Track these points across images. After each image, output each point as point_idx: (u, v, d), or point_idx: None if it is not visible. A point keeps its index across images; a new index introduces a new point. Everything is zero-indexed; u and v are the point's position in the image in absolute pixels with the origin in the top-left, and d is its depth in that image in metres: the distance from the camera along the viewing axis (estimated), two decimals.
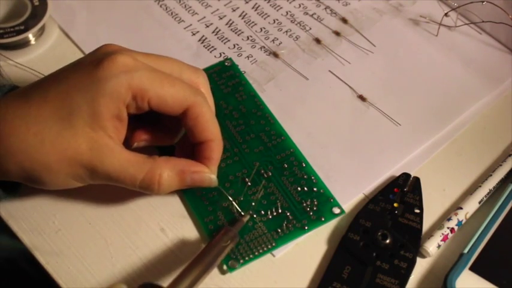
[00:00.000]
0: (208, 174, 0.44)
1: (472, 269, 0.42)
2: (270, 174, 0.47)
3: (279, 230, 0.45)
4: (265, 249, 0.44)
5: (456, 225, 0.45)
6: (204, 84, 0.46)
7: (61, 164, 0.42)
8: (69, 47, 0.55)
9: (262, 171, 0.47)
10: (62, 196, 0.47)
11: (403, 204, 0.45)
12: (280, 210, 0.45)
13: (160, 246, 0.45)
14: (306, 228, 0.45)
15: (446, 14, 0.55)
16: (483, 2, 0.54)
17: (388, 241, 0.43)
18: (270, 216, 0.45)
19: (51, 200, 0.47)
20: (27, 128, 0.41)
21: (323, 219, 0.45)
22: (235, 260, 0.44)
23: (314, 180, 0.47)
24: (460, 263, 0.42)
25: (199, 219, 0.46)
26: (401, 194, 0.46)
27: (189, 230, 0.46)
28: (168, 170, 0.43)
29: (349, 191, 0.47)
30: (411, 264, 0.43)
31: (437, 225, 0.45)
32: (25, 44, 0.54)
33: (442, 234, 0.44)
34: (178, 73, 0.44)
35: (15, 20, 0.54)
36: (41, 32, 0.55)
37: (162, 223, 0.46)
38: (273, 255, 0.45)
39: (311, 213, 0.45)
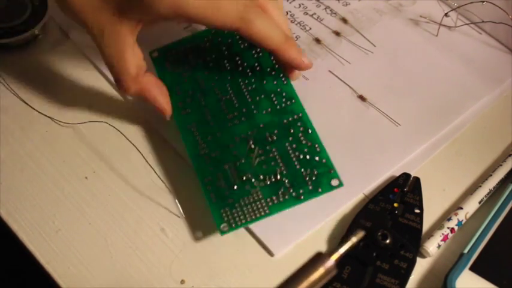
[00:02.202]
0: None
1: (472, 269, 0.42)
2: (275, 138, 0.46)
3: (274, 198, 0.44)
4: (258, 215, 0.44)
5: (456, 225, 0.45)
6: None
7: None
8: (69, 47, 0.55)
9: (267, 135, 0.46)
10: (62, 196, 0.47)
11: (403, 204, 0.45)
12: (278, 177, 0.45)
13: (160, 246, 0.45)
14: (302, 198, 0.44)
15: (446, 14, 0.55)
16: (483, 2, 0.54)
17: (388, 241, 0.43)
18: (268, 182, 0.44)
19: (51, 200, 0.47)
20: None
21: (320, 190, 0.44)
22: (227, 223, 0.43)
23: (318, 149, 0.45)
24: (460, 263, 0.42)
25: (199, 179, 0.46)
26: (401, 194, 0.46)
27: (189, 230, 0.46)
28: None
29: (349, 191, 0.47)
30: (411, 264, 0.43)
31: (437, 225, 0.45)
32: (25, 44, 0.54)
33: (442, 234, 0.44)
34: None
35: (15, 20, 0.54)
36: (41, 32, 0.55)
37: (162, 223, 0.46)
38: (273, 255, 0.45)
39: (309, 183, 0.44)
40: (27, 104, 0.51)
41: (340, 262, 0.43)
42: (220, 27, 0.45)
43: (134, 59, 0.45)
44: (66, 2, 0.44)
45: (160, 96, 0.48)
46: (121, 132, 0.49)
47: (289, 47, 0.47)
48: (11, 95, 0.52)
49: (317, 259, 0.35)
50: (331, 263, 0.35)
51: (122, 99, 0.52)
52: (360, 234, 0.37)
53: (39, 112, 0.50)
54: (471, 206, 0.46)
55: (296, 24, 0.57)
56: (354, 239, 0.37)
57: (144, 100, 0.47)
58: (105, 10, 0.44)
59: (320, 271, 0.34)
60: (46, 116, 0.50)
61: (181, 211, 0.46)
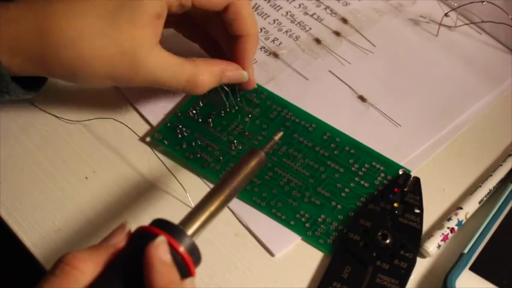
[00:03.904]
0: (241, 71, 0.48)
1: (472, 269, 0.42)
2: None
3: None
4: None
5: (456, 225, 0.45)
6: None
7: (102, 62, 0.42)
8: None
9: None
10: (62, 196, 0.47)
11: (403, 204, 0.45)
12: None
13: None
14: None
15: (446, 14, 0.55)
16: (483, 2, 0.54)
17: (388, 241, 0.43)
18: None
19: (51, 200, 0.47)
20: (68, 23, 0.41)
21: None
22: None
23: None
24: (460, 263, 0.42)
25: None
26: (401, 194, 0.46)
27: None
28: (208, 72, 0.46)
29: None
30: (411, 264, 0.43)
31: (437, 225, 0.45)
32: None
33: (442, 234, 0.44)
34: None
35: None
36: None
37: None
38: (273, 255, 0.45)
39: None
40: (30, 102, 0.51)
41: (340, 262, 0.43)
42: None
43: (173, 68, 0.45)
44: (83, 82, 0.45)
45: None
46: (129, 128, 0.49)
47: (256, 43, 0.49)
48: None
49: (252, 153, 0.41)
50: (263, 155, 0.41)
51: (123, 97, 0.52)
52: (279, 134, 0.44)
53: (43, 110, 0.51)
54: (471, 206, 0.46)
55: (296, 24, 0.57)
56: (276, 138, 0.43)
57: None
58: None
59: (253, 162, 0.41)
60: (50, 114, 0.50)
61: (191, 203, 0.46)
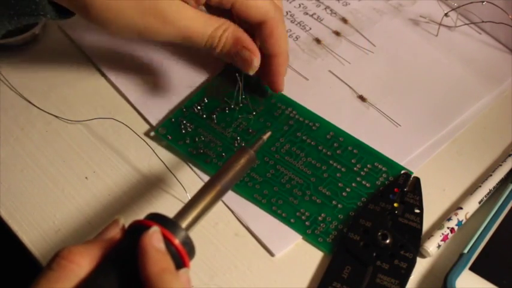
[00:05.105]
0: (254, 57, 0.47)
1: (472, 269, 0.42)
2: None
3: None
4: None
5: (456, 225, 0.45)
6: (280, 20, 0.48)
7: (135, 12, 0.43)
8: (69, 47, 0.55)
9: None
10: (62, 196, 0.47)
11: (403, 204, 0.45)
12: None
13: None
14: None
15: (446, 14, 0.55)
16: (483, 2, 0.54)
17: (388, 241, 0.43)
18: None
19: (51, 200, 0.47)
20: None
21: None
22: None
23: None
24: (460, 263, 0.42)
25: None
26: (401, 194, 0.46)
27: None
28: (232, 31, 0.46)
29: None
30: (411, 264, 0.43)
31: (437, 225, 0.45)
32: (25, 43, 0.54)
33: (442, 234, 0.44)
34: None
35: None
36: (41, 32, 0.55)
37: None
38: (273, 255, 0.45)
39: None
40: (30, 102, 0.51)
41: (340, 262, 0.43)
42: None
43: (201, 21, 0.46)
44: (111, 26, 0.44)
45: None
46: (129, 127, 0.49)
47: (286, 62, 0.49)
48: (12, 95, 0.52)
49: (242, 151, 0.42)
50: (252, 153, 0.42)
51: (123, 97, 0.52)
52: (268, 134, 0.45)
53: (43, 110, 0.51)
54: (471, 206, 0.46)
55: (296, 24, 0.57)
56: (264, 138, 0.44)
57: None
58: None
59: (243, 159, 0.41)
60: (50, 114, 0.50)
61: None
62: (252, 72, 0.48)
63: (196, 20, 0.45)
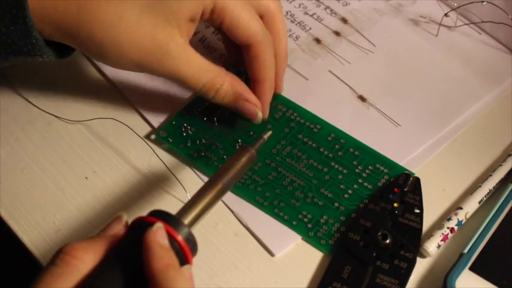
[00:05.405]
0: (258, 110, 0.48)
1: (472, 269, 0.42)
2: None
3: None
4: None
5: (456, 225, 0.45)
6: (279, 15, 0.48)
7: (132, 47, 0.43)
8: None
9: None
10: (62, 196, 0.47)
11: (403, 204, 0.45)
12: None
13: None
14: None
15: (446, 14, 0.55)
16: (483, 2, 0.54)
17: (388, 241, 0.43)
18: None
19: (51, 200, 0.47)
20: (109, 4, 0.42)
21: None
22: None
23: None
24: (460, 263, 0.42)
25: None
26: (401, 194, 0.46)
27: None
28: (229, 86, 0.47)
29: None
30: (411, 264, 0.43)
31: (437, 225, 0.45)
32: None
33: (442, 234, 0.44)
34: None
35: None
36: None
37: None
38: (273, 255, 0.45)
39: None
40: (30, 102, 0.51)
41: (340, 262, 0.43)
42: None
43: (198, 69, 0.46)
44: (108, 62, 0.45)
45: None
46: (129, 127, 0.49)
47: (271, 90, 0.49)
48: (12, 94, 0.52)
49: (243, 150, 0.42)
50: (253, 152, 0.43)
51: (123, 98, 0.52)
52: (268, 133, 0.46)
53: (43, 110, 0.51)
54: (471, 206, 0.46)
55: (296, 24, 0.57)
56: (265, 137, 0.45)
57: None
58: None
59: (244, 158, 0.42)
60: (50, 114, 0.50)
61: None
62: (257, 123, 0.49)
63: (191, 66, 0.45)
